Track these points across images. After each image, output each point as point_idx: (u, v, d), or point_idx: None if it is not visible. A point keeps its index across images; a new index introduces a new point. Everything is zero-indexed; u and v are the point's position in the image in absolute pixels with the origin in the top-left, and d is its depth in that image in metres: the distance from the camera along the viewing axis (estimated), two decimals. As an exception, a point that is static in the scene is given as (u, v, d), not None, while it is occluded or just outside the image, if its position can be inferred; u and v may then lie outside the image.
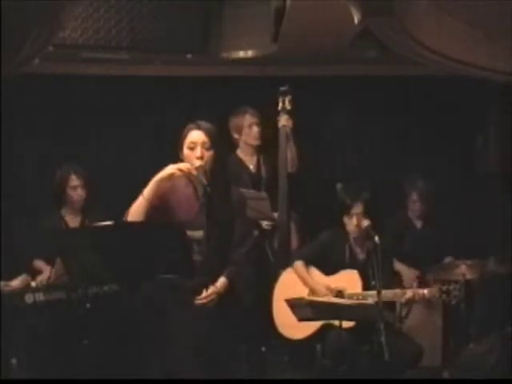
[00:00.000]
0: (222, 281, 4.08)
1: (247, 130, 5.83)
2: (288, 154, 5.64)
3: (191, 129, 4.15)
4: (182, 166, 4.08)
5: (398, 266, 5.73)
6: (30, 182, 6.28)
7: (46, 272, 5.25)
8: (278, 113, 5.65)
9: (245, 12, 6.05)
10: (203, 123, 4.17)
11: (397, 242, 5.94)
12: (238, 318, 4.72)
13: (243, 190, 5.19)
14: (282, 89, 5.64)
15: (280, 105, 5.65)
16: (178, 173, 4.06)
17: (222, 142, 4.24)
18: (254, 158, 5.89)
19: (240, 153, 5.88)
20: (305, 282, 5.15)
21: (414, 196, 6.06)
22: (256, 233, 5.54)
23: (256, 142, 5.84)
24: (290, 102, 5.63)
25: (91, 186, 5.64)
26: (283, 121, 5.62)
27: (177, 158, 4.23)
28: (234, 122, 5.88)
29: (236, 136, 5.87)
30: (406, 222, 6.15)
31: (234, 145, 5.90)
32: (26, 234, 5.68)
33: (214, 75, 6.51)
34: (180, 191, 4.17)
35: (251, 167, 5.87)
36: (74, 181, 5.56)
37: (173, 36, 5.93)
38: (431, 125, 6.71)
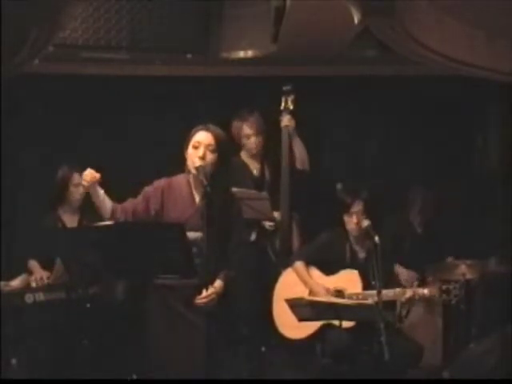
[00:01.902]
0: (218, 283, 4.09)
1: (245, 140, 5.76)
2: (296, 152, 5.64)
3: (199, 129, 4.17)
4: (87, 176, 4.05)
5: (398, 269, 5.72)
6: (30, 182, 6.27)
7: (37, 273, 5.25)
8: (280, 112, 5.65)
9: (245, 12, 6.04)
10: (212, 126, 4.18)
11: (397, 242, 5.95)
12: (238, 318, 4.73)
13: (243, 190, 5.19)
14: (284, 88, 5.64)
15: (283, 104, 5.64)
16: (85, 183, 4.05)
17: (227, 147, 4.22)
18: (258, 162, 5.85)
19: (244, 156, 5.83)
20: (305, 283, 5.16)
21: (417, 207, 6.05)
22: (253, 237, 5.53)
23: (254, 152, 5.77)
24: (292, 101, 5.62)
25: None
26: (285, 121, 5.61)
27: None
28: (233, 128, 5.78)
29: (238, 142, 5.83)
30: (407, 225, 6.14)
31: (237, 147, 5.87)
32: (26, 234, 5.68)
33: (214, 75, 6.51)
34: (177, 190, 4.17)
35: (255, 171, 5.82)
36: (77, 179, 5.57)
37: (173, 36, 5.93)
38: (431, 125, 6.70)
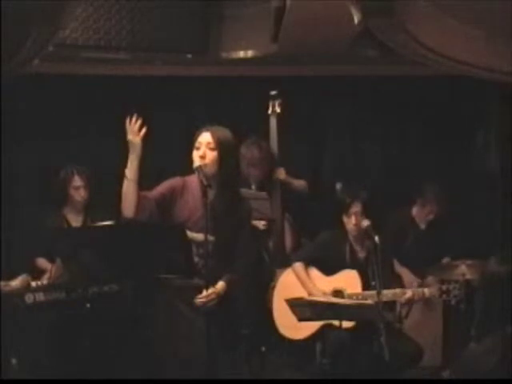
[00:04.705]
0: (220, 284, 4.08)
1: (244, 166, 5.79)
2: (294, 185, 5.67)
3: (201, 131, 4.17)
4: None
5: (400, 269, 5.73)
6: (31, 182, 6.28)
7: (49, 270, 5.25)
8: (268, 116, 5.66)
9: (245, 12, 6.05)
10: (212, 126, 4.17)
11: (398, 240, 5.95)
12: (238, 318, 4.73)
13: (243, 190, 5.19)
14: (271, 93, 5.67)
15: (270, 109, 5.66)
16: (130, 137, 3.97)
17: (228, 144, 4.18)
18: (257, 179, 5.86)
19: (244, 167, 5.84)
20: (303, 285, 5.15)
21: (430, 207, 6.04)
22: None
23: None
24: (279, 105, 5.65)
25: (93, 187, 5.66)
26: (276, 174, 5.61)
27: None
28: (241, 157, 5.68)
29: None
30: (409, 221, 6.14)
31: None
32: (27, 234, 5.68)
33: (214, 75, 6.51)
34: (190, 191, 4.16)
35: (253, 186, 5.82)
36: (77, 181, 5.58)
37: (173, 36, 5.93)
38: (431, 125, 6.71)
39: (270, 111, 5.67)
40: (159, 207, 4.06)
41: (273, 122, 5.66)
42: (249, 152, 5.67)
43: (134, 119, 3.98)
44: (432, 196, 6.02)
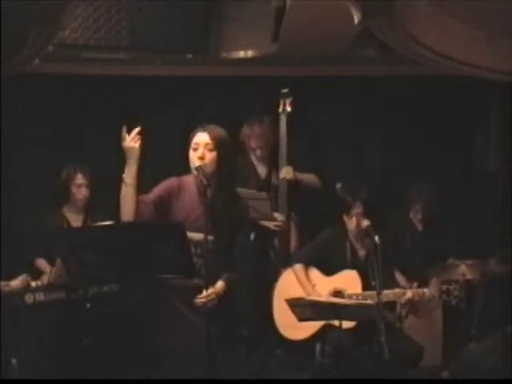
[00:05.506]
0: (220, 284, 4.08)
1: (253, 151, 5.80)
2: (305, 181, 5.69)
3: (197, 131, 4.15)
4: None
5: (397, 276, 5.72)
6: (31, 182, 6.27)
7: (47, 271, 5.25)
8: (278, 115, 5.65)
9: (245, 12, 6.05)
10: (209, 126, 4.16)
11: (397, 240, 5.95)
12: (239, 318, 4.73)
13: (243, 190, 5.20)
14: (282, 91, 5.65)
15: (281, 107, 5.65)
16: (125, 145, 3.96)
17: (226, 144, 4.18)
18: (266, 165, 5.87)
19: (253, 158, 5.85)
20: (302, 287, 5.15)
21: (418, 207, 6.05)
22: (252, 237, 5.54)
23: (260, 159, 5.81)
24: (290, 104, 5.63)
25: (94, 186, 5.66)
26: (284, 173, 5.61)
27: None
28: (242, 135, 5.81)
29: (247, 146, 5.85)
30: (407, 223, 6.14)
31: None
32: (27, 234, 5.68)
33: (214, 75, 6.51)
34: (186, 191, 4.15)
35: (261, 174, 5.82)
36: (80, 179, 5.59)
37: (173, 36, 5.93)
38: (431, 125, 6.70)
39: (280, 109, 5.66)
40: (157, 209, 4.06)
41: (283, 120, 5.65)
42: (249, 128, 5.75)
43: (132, 130, 3.99)
44: (429, 196, 6.03)
